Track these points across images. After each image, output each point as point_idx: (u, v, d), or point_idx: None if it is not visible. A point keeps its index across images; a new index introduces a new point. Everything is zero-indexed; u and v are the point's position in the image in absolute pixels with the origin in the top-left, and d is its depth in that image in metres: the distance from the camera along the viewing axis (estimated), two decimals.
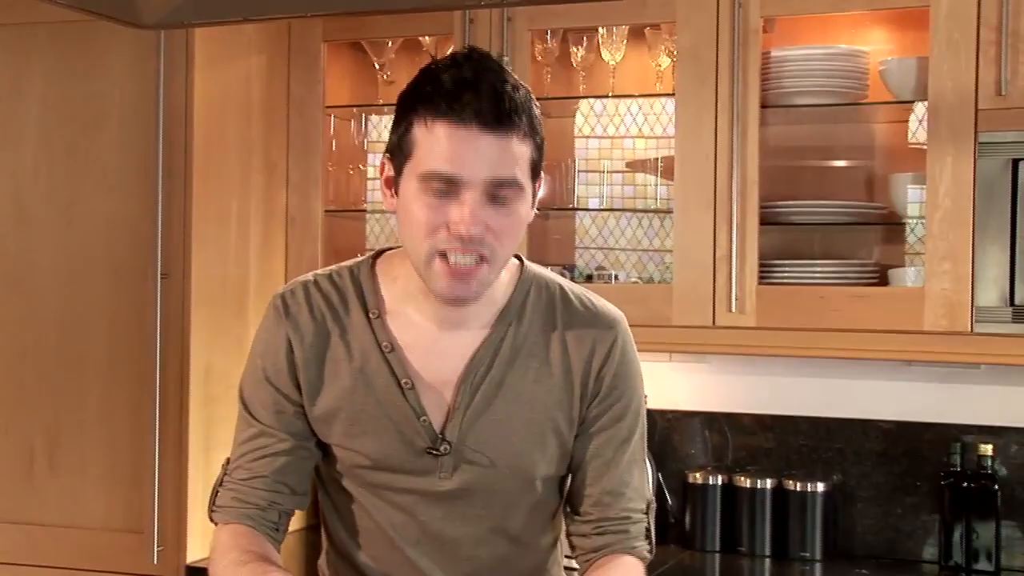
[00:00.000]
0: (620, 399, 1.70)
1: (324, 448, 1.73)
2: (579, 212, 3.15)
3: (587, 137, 3.21)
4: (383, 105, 3.24)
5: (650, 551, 1.72)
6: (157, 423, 2.80)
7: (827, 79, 2.83)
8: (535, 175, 1.60)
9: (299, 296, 1.70)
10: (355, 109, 3.27)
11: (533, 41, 3.00)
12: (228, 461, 1.75)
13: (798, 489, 2.98)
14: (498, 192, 1.54)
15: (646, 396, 1.79)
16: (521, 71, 2.95)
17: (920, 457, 2.97)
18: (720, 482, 3.04)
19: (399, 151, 1.59)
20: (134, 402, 2.86)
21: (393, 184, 1.61)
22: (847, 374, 3.01)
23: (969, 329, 2.61)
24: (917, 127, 2.86)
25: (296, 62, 3.15)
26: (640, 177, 3.15)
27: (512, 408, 1.66)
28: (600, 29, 2.99)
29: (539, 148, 1.59)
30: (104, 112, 2.91)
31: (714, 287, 2.78)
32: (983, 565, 2.84)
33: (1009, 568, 2.85)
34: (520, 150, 1.55)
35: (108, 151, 2.90)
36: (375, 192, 3.25)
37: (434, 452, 1.66)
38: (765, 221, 2.80)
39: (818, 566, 2.95)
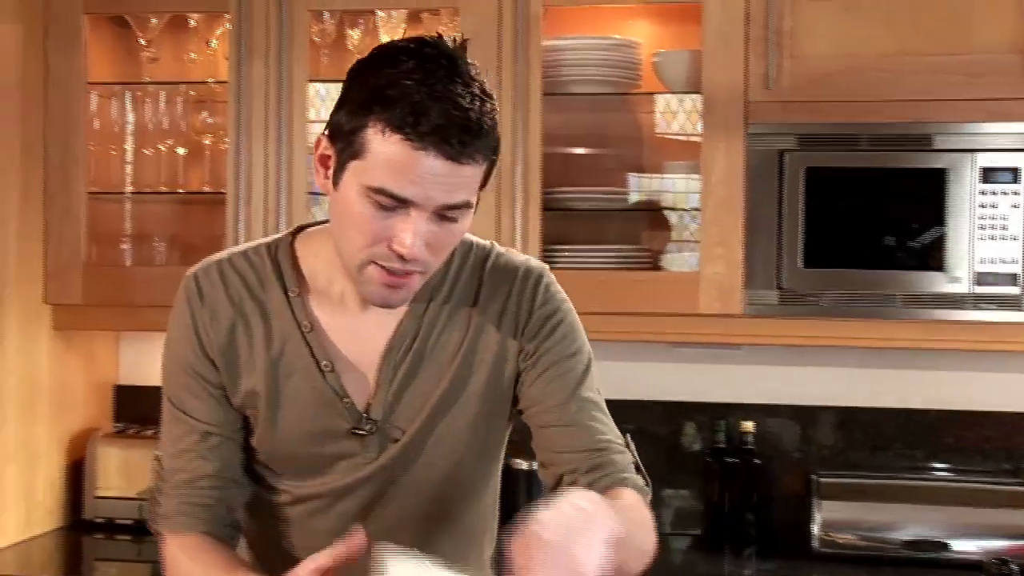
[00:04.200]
0: (561, 332, 1.62)
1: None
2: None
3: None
4: (148, 83, 3.10)
5: (647, 485, 1.60)
6: None
7: (603, 68, 2.90)
8: (484, 185, 1.52)
9: (213, 275, 1.61)
10: (117, 87, 3.12)
11: (310, 23, 2.95)
12: (158, 461, 1.63)
13: None
14: (446, 213, 1.47)
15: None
16: (298, 53, 2.90)
17: (686, 435, 3.09)
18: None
19: (347, 143, 1.46)
20: None
21: (330, 167, 1.49)
22: (617, 356, 3.10)
23: (741, 311, 2.74)
24: (686, 118, 2.98)
25: (55, 33, 2.98)
26: None
27: (436, 380, 1.60)
28: (379, 12, 2.96)
29: (494, 162, 1.51)
30: None
31: None
32: (745, 536, 2.99)
33: (767, 536, 3.01)
34: (476, 172, 1.47)
35: None
36: (135, 172, 3.12)
37: (359, 432, 1.59)
38: (547, 207, 2.84)
39: None
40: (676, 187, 2.94)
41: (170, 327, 1.63)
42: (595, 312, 2.78)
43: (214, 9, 3.00)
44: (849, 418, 3.06)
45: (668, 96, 2.96)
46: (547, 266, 1.69)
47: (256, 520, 1.69)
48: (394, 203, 1.43)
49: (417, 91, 1.41)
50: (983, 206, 2.66)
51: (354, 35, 3.02)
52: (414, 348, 1.60)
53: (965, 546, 2.79)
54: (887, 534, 2.83)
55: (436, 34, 1.50)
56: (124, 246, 3.15)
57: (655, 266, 2.93)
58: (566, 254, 2.88)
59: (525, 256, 1.70)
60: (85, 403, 3.21)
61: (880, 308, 2.71)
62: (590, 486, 1.52)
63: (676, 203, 2.94)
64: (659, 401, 3.10)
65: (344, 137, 1.46)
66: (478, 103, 1.44)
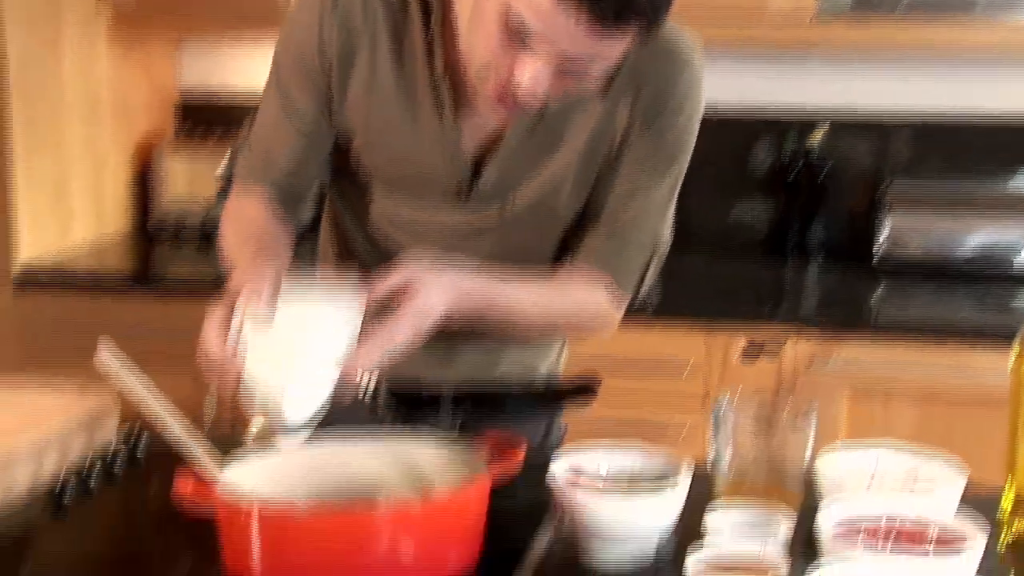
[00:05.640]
0: (667, 135, 1.50)
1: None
2: None
3: None
4: None
5: (629, 290, 1.57)
6: None
7: None
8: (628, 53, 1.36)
9: None
10: None
11: None
12: (254, 121, 1.59)
13: None
14: (574, 72, 1.33)
15: None
16: None
17: (752, 147, 3.01)
18: None
19: None
20: None
21: None
22: None
23: (813, 13, 2.61)
24: None
25: None
26: None
27: (557, 150, 1.51)
28: None
29: (649, 36, 1.33)
30: None
31: None
32: (807, 247, 2.95)
33: (833, 246, 2.97)
34: (624, 47, 1.31)
35: None
36: None
37: (464, 188, 1.52)
38: None
39: None
40: None
41: (300, 6, 1.51)
42: None
43: None
44: (926, 128, 2.95)
45: None
46: (700, 45, 1.51)
47: (343, 207, 1.64)
48: (524, 36, 1.29)
49: None
50: None
51: None
52: (543, 122, 1.49)
53: None
54: (953, 248, 2.76)
55: None
56: None
57: None
58: None
59: (680, 34, 1.49)
60: (147, 112, 3.20)
61: (960, 10, 2.56)
62: (574, 263, 1.55)
63: None
64: (728, 109, 3.00)
65: None
66: None
